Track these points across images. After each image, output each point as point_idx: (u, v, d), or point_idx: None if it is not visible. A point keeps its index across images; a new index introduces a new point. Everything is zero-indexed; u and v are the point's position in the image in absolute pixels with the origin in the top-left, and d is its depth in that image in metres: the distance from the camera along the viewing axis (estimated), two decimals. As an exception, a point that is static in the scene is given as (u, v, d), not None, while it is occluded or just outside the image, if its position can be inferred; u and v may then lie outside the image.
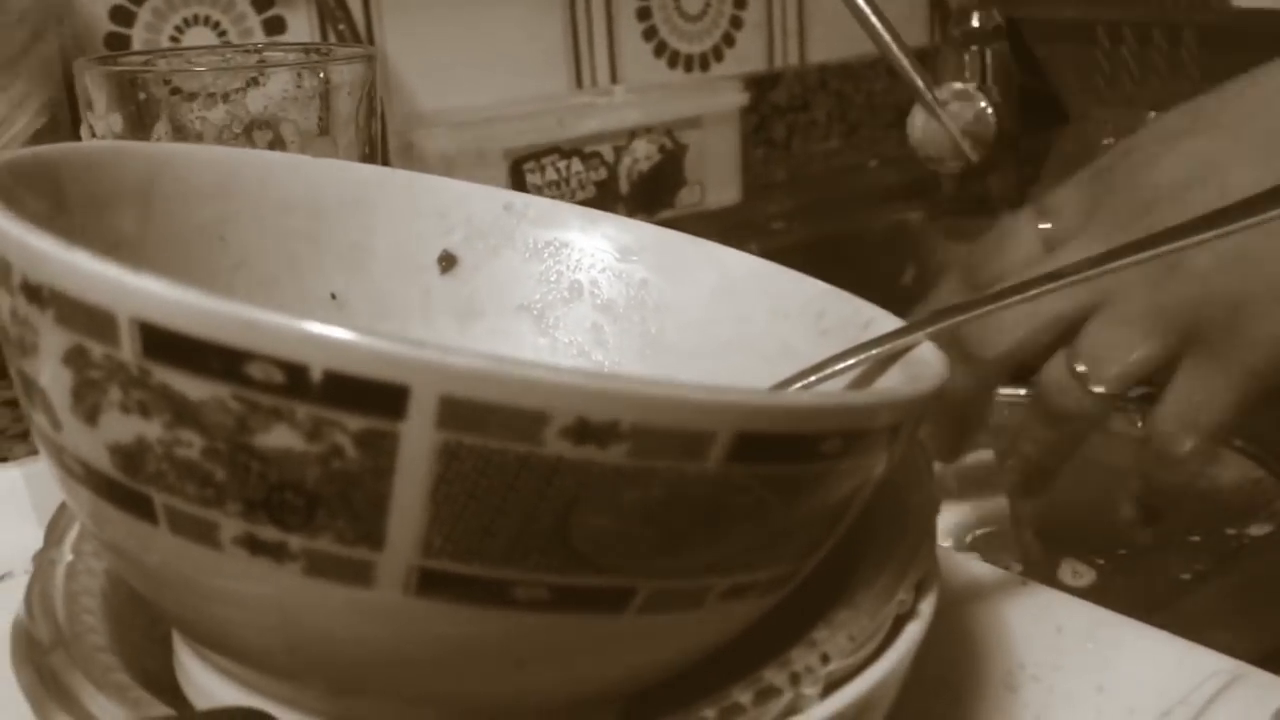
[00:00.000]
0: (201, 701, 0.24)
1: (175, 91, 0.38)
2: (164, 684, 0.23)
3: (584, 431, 0.18)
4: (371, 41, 0.81)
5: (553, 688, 0.22)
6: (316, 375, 0.18)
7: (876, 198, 0.91)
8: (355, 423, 0.18)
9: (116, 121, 0.37)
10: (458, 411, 0.18)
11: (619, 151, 0.84)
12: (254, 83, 0.39)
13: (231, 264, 0.31)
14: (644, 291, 0.34)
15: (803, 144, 1.05)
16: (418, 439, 0.18)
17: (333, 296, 0.33)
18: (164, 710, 0.21)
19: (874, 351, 0.28)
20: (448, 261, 0.34)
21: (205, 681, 0.24)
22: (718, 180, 0.89)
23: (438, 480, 0.18)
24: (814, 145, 1.06)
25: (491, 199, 0.35)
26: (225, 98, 0.38)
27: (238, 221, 0.31)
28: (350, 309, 0.33)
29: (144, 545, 0.21)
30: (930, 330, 0.27)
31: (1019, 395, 0.78)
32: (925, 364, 0.26)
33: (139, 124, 0.37)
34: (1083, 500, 0.67)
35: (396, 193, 0.34)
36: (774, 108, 1.02)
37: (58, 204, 0.26)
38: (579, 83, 0.91)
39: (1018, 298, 0.28)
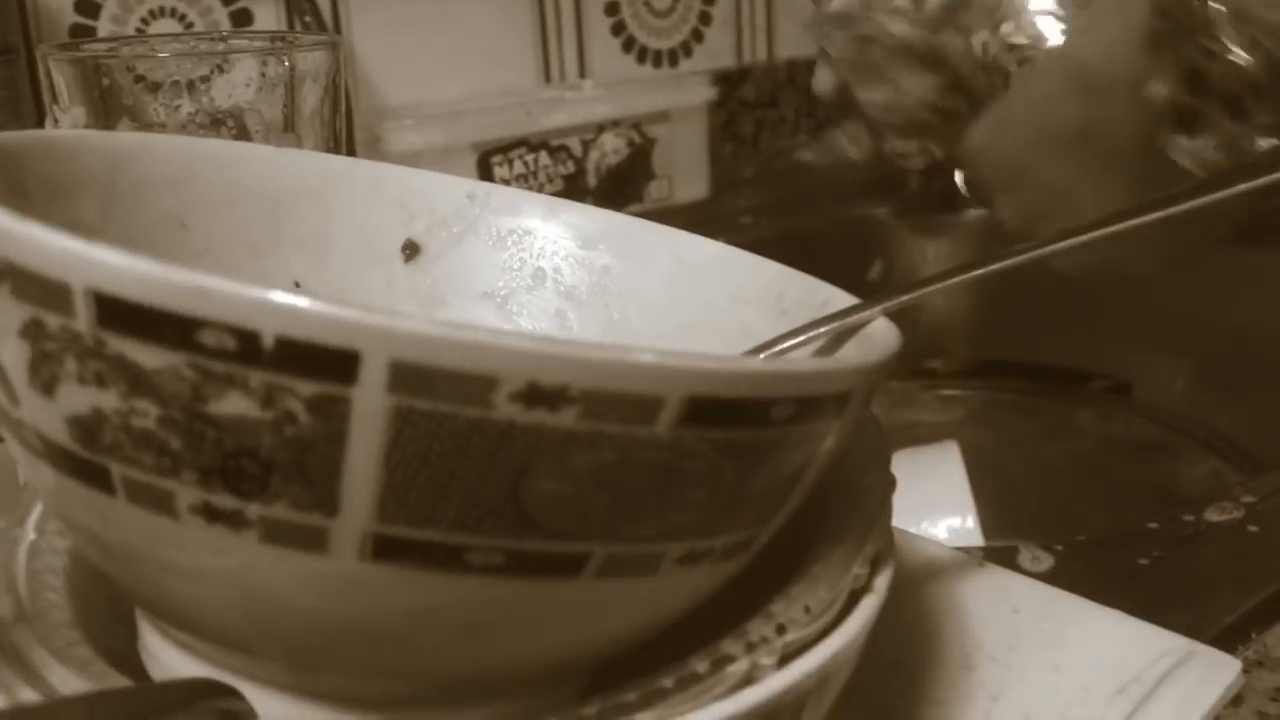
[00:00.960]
0: (162, 676, 0.24)
1: (139, 80, 0.38)
2: (128, 662, 0.23)
3: (535, 396, 0.18)
4: (339, 34, 0.81)
5: (512, 657, 0.22)
6: (268, 341, 0.18)
7: (843, 194, 0.92)
8: (307, 388, 0.18)
9: (80, 115, 0.37)
10: (408, 376, 0.18)
11: (587, 145, 0.84)
12: (219, 70, 0.39)
13: (194, 252, 0.31)
14: (606, 278, 0.34)
15: (770, 140, 1.05)
16: (369, 404, 0.18)
17: (296, 285, 0.33)
18: (124, 683, 0.22)
19: (829, 327, 0.28)
20: (411, 250, 0.34)
21: (168, 658, 0.24)
22: (686, 175, 0.90)
23: (390, 445, 0.19)
24: (782, 141, 1.06)
25: (454, 188, 0.35)
26: (190, 87, 0.38)
27: (199, 210, 0.31)
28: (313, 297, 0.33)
29: (103, 518, 0.21)
30: (884, 306, 0.28)
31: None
32: (878, 338, 0.27)
33: (102, 115, 0.38)
34: (1040, 486, 0.68)
35: (359, 182, 0.34)
36: (742, 103, 1.03)
37: (17, 191, 0.26)
38: (547, 77, 0.91)
39: (982, 270, 0.29)
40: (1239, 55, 0.43)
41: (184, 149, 0.31)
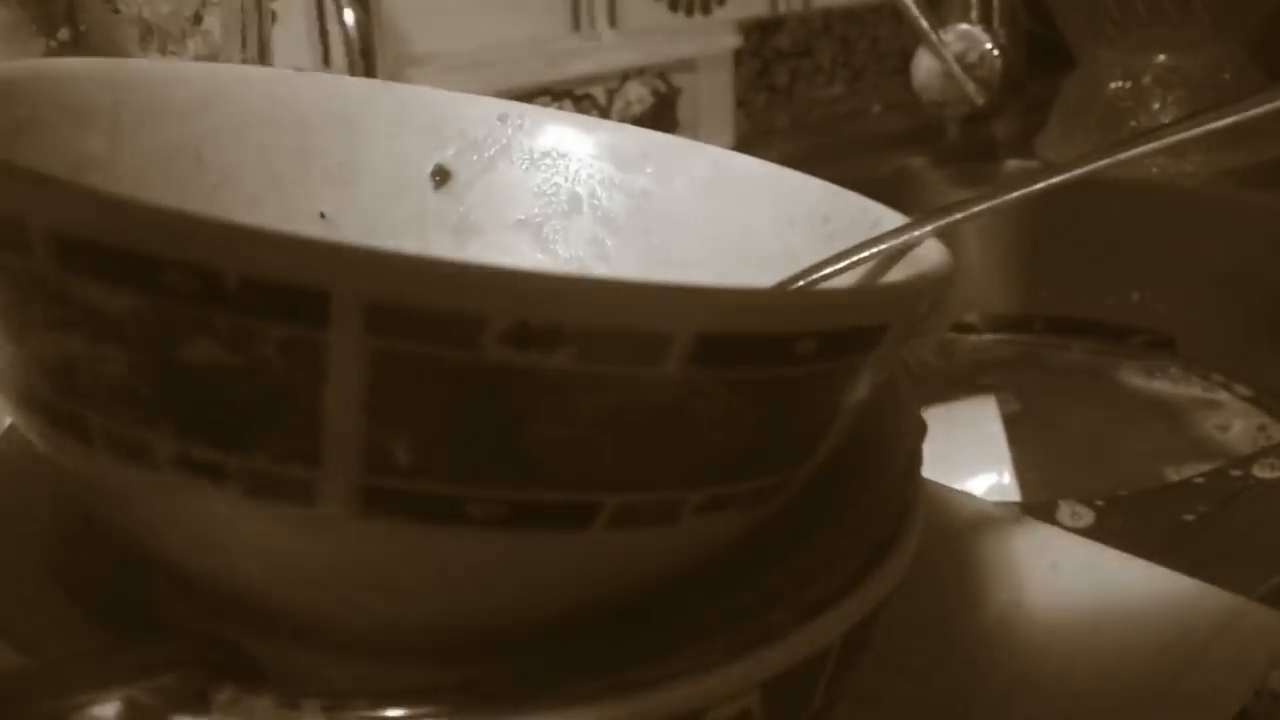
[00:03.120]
0: (173, 626, 0.24)
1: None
2: (114, 609, 0.22)
3: (525, 336, 0.17)
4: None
5: (523, 610, 0.21)
6: (232, 281, 0.16)
7: (880, 144, 0.90)
8: (278, 331, 0.17)
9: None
10: (386, 316, 0.17)
11: (611, 94, 0.82)
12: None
13: (211, 184, 0.30)
14: (645, 201, 0.32)
15: (805, 90, 1.03)
16: (346, 347, 0.17)
17: (322, 215, 0.32)
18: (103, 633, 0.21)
19: (875, 249, 0.26)
20: (441, 176, 0.33)
21: (178, 608, 0.24)
22: (711, 125, 0.88)
23: (372, 391, 0.17)
24: (817, 91, 1.03)
25: (485, 109, 0.33)
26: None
27: (217, 140, 0.30)
28: (341, 228, 0.32)
29: (87, 467, 0.20)
30: (933, 226, 0.26)
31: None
32: (927, 262, 0.25)
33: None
34: (1081, 441, 0.65)
35: (385, 107, 0.32)
36: (777, 53, 1.00)
37: (18, 123, 0.25)
38: (576, 25, 0.89)
39: (1024, 190, 0.26)
40: None
41: (196, 75, 0.30)
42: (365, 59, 0.71)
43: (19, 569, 0.23)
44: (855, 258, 0.26)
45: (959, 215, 0.26)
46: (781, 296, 0.21)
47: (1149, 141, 0.25)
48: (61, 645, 0.20)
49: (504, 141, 0.33)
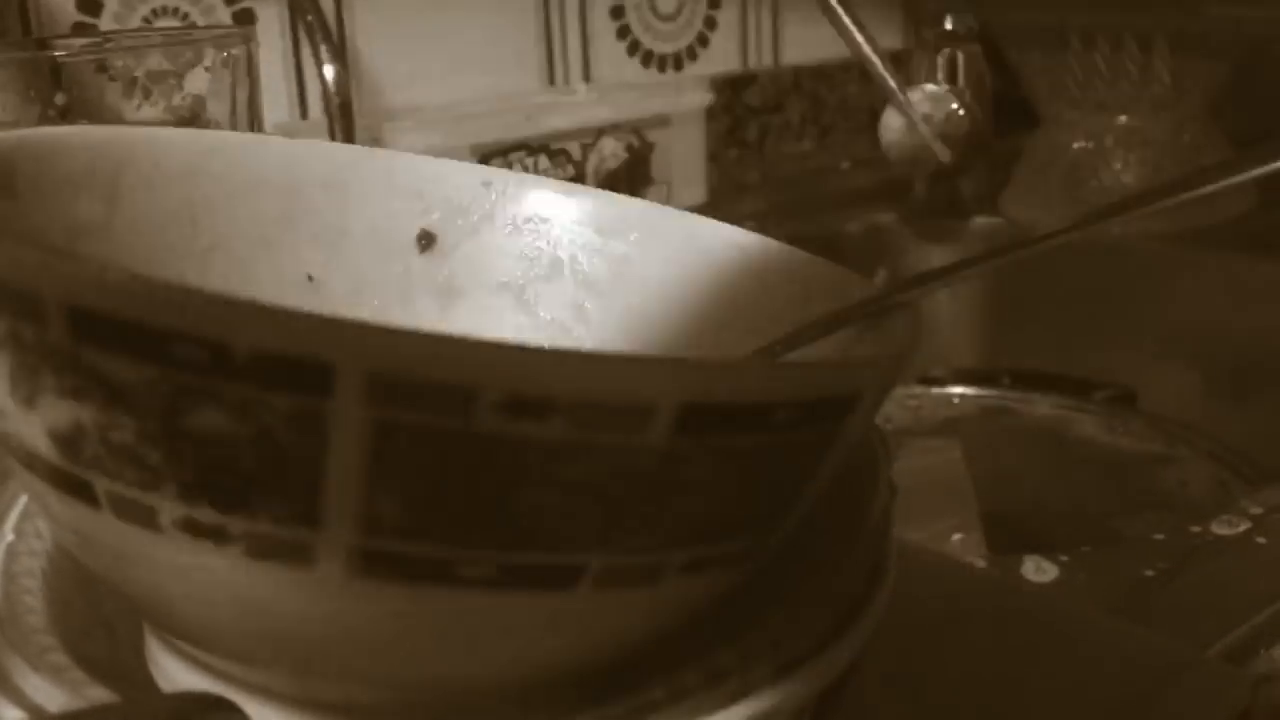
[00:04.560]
0: (168, 688, 0.24)
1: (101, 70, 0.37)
2: (106, 669, 0.23)
3: (517, 406, 0.18)
4: (343, 34, 0.81)
5: (510, 669, 0.22)
6: (240, 354, 0.17)
7: (849, 200, 0.92)
8: (283, 402, 0.18)
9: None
10: (386, 388, 0.17)
11: (586, 149, 0.84)
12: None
13: (204, 247, 0.31)
14: (626, 266, 0.33)
15: (775, 145, 1.05)
16: (348, 417, 0.18)
17: (310, 278, 0.33)
18: (101, 693, 0.21)
19: (851, 318, 0.27)
20: (426, 240, 0.34)
21: (171, 669, 0.24)
22: (684, 179, 0.89)
23: (372, 459, 0.18)
24: (787, 147, 1.06)
25: (470, 175, 0.34)
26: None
27: (209, 204, 0.31)
28: (327, 291, 0.33)
29: (91, 530, 0.20)
30: (905, 296, 0.27)
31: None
32: (898, 331, 0.26)
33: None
34: (1044, 496, 0.67)
35: (372, 172, 0.33)
36: (747, 109, 1.02)
37: (16, 191, 0.26)
38: (551, 81, 0.91)
39: (998, 259, 0.28)
40: None
41: (191, 141, 0.31)
42: (343, 114, 0.73)
43: (24, 632, 0.23)
44: (829, 326, 0.27)
45: (930, 285, 0.27)
46: (762, 368, 0.22)
47: (1116, 213, 0.26)
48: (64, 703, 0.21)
49: (488, 207, 0.34)
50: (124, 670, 0.25)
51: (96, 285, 0.18)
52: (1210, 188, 0.26)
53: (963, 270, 0.28)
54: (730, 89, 1.00)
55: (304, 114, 0.83)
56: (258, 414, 0.18)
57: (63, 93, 0.37)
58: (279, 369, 0.17)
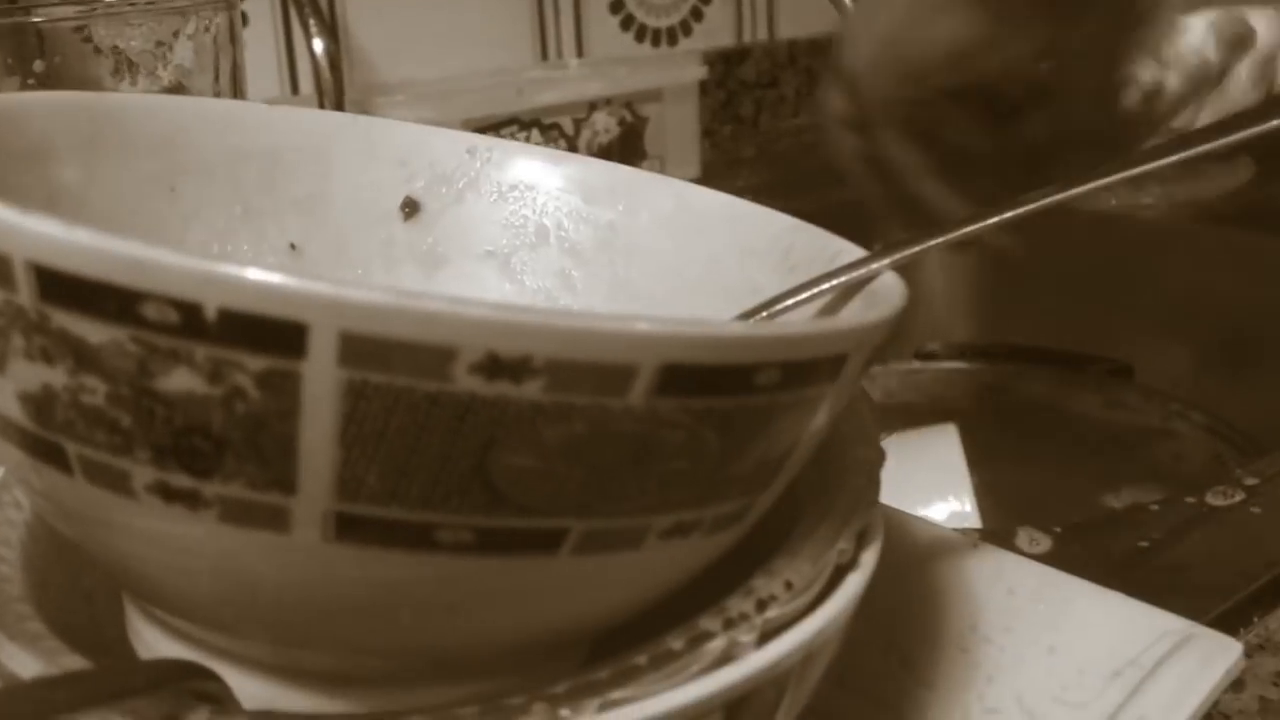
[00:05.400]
0: (148, 657, 0.24)
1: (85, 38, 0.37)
2: (85, 639, 0.23)
3: (495, 367, 0.17)
4: (334, 8, 0.80)
5: (495, 633, 0.22)
6: (211, 314, 0.17)
7: (844, 175, 0.91)
8: (255, 363, 0.17)
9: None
10: (360, 349, 0.17)
11: (579, 124, 0.83)
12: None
13: (183, 215, 0.30)
14: (611, 234, 0.33)
15: (770, 120, 1.04)
16: (321, 378, 0.17)
17: (292, 246, 0.32)
18: (78, 661, 0.21)
19: (835, 282, 0.27)
20: (410, 208, 0.33)
21: (152, 638, 0.24)
22: (677, 154, 0.89)
23: (345, 421, 0.18)
24: (782, 121, 1.05)
25: (454, 142, 0.34)
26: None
27: (189, 172, 0.30)
28: (310, 259, 0.32)
29: (66, 496, 0.20)
30: (891, 260, 0.26)
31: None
32: (884, 294, 0.26)
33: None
34: (1039, 468, 0.67)
35: (355, 139, 0.33)
36: (742, 83, 1.02)
37: (-8, 156, 0.26)
38: (544, 55, 0.90)
39: (988, 221, 0.27)
40: None
41: (169, 108, 0.31)
42: (334, 88, 0.72)
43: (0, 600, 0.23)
44: (816, 289, 0.27)
45: (915, 248, 0.27)
46: (743, 329, 0.21)
47: (1108, 175, 0.26)
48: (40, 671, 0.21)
49: (473, 174, 0.34)
50: (103, 640, 0.25)
51: (64, 245, 0.17)
52: (1205, 147, 0.25)
53: (949, 234, 0.28)
54: (724, 63, 0.99)
55: (294, 88, 0.82)
56: (229, 376, 0.17)
57: (42, 60, 0.36)
58: (251, 329, 0.17)
